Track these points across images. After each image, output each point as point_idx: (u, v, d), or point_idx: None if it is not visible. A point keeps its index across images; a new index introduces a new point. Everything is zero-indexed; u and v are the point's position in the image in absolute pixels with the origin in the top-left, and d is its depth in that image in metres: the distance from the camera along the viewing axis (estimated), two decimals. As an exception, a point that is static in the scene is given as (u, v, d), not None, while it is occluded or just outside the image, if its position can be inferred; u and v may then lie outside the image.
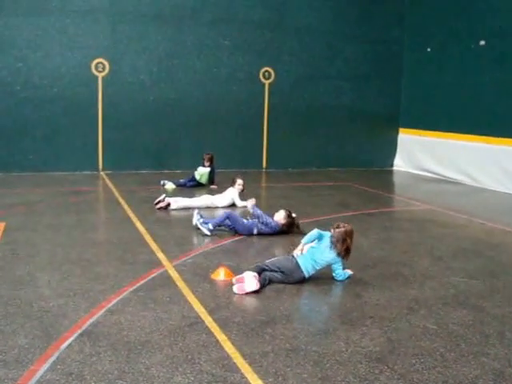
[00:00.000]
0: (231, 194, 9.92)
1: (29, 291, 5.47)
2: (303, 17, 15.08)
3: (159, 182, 11.82)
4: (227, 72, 14.59)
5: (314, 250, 5.99)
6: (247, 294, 5.52)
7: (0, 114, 12.90)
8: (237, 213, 8.61)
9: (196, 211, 8.16)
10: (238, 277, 5.69)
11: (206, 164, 12.02)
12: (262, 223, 7.91)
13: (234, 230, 7.95)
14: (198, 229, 7.91)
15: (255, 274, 5.65)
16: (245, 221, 8.01)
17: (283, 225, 7.97)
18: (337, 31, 15.41)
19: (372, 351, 4.38)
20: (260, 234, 7.92)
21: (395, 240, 8.07)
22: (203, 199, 9.81)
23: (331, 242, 5.90)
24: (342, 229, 5.94)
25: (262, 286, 5.66)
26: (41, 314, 4.90)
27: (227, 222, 7.95)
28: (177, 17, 14.00)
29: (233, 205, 9.84)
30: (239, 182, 10.06)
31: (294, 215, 8.09)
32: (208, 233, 7.80)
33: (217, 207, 9.71)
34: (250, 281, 5.57)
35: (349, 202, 10.90)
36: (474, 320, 5.09)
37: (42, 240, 7.39)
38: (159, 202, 9.56)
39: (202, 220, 7.92)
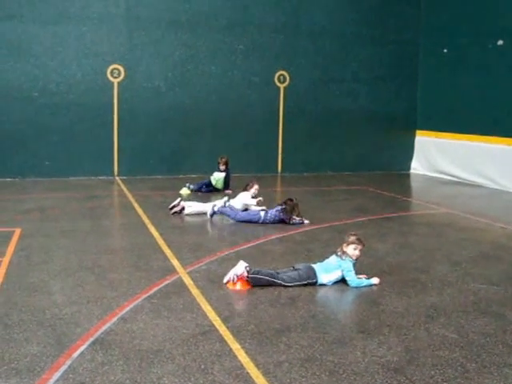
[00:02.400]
0: (244, 198, 9.79)
1: (42, 298, 5.44)
2: (318, 20, 15.01)
3: (174, 187, 11.78)
4: (242, 76, 14.55)
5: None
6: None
7: (17, 121, 12.98)
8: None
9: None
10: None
11: (222, 167, 11.95)
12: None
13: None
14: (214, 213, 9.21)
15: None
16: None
17: (283, 207, 8.96)
18: (352, 33, 15.32)
19: (389, 361, 4.28)
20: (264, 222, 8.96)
21: (413, 245, 7.93)
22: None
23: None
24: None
25: (256, 280, 5.78)
26: (54, 322, 4.87)
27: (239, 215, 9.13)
28: (192, 22, 14.00)
29: (246, 210, 9.70)
30: (255, 187, 9.93)
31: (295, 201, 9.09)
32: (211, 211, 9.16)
33: None
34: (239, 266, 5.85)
35: (365, 206, 10.77)
36: (495, 329, 4.95)
37: (56, 246, 7.38)
38: (174, 206, 9.52)
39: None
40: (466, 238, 8.34)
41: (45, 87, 13.11)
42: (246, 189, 9.93)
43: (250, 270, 5.83)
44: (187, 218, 9.34)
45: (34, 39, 12.94)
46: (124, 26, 13.53)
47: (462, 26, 14.46)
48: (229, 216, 9.17)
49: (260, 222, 8.97)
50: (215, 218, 9.26)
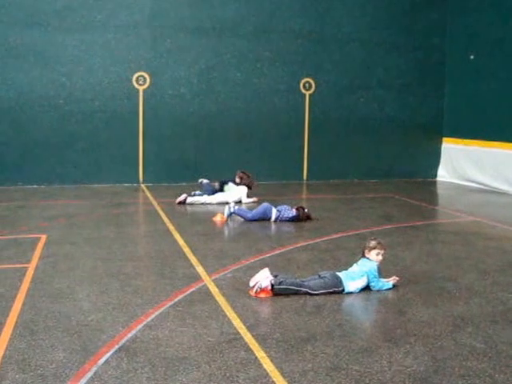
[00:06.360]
0: (239, 192, 11.35)
1: (68, 305, 5.48)
2: (343, 26, 14.97)
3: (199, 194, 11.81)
4: (267, 83, 14.56)
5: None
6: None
7: (43, 128, 13.15)
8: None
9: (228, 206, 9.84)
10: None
11: (239, 181, 11.89)
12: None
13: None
14: (231, 214, 9.64)
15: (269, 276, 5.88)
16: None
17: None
18: (378, 40, 15.23)
19: (416, 371, 4.21)
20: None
21: (439, 254, 7.83)
22: (218, 197, 11.33)
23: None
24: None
25: (277, 285, 5.77)
26: (79, 328, 4.89)
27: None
28: (217, 29, 14.06)
29: (239, 202, 11.19)
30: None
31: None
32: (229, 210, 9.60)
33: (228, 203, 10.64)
34: (263, 279, 5.80)
35: (391, 214, 10.67)
36: (524, 339, 4.86)
37: (81, 253, 7.43)
38: (180, 201, 11.01)
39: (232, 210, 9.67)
40: (494, 247, 8.21)
41: (71, 95, 13.26)
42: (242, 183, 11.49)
43: (275, 281, 5.77)
44: (211, 226, 9.36)
45: (60, 47, 13.11)
46: (149, 34, 13.65)
47: (488, 31, 14.29)
48: (242, 217, 9.70)
49: (272, 220, 9.56)
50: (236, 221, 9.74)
